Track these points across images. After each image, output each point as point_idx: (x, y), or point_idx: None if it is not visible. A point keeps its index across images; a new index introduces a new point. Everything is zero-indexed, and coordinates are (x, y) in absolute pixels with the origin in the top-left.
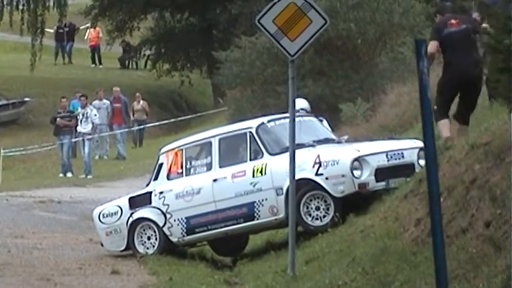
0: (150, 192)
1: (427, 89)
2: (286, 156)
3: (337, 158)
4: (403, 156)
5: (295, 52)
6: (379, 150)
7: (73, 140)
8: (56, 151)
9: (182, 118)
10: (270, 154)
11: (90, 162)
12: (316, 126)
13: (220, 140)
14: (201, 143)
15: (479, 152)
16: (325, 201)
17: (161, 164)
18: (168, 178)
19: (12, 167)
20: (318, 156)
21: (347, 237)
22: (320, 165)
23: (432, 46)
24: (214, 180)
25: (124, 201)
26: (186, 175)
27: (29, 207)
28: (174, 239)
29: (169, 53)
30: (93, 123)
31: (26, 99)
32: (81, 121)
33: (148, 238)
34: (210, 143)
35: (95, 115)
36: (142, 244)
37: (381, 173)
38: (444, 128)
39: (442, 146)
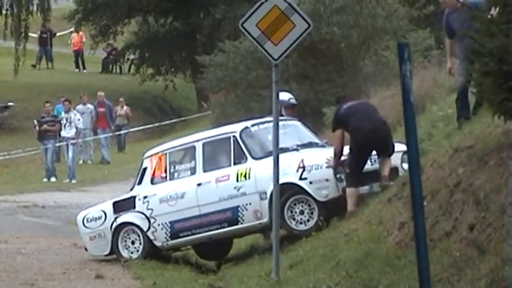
0: (134, 197)
1: (410, 92)
2: (270, 160)
3: (321, 162)
4: None
5: (279, 56)
6: None
7: (57, 144)
8: (39, 156)
9: (166, 122)
10: (254, 158)
11: (74, 166)
12: (300, 130)
13: (204, 145)
14: (185, 147)
15: (463, 156)
16: (309, 206)
17: (145, 169)
18: (152, 182)
19: None
20: (302, 160)
21: (331, 241)
22: (304, 170)
23: (338, 136)
24: (198, 185)
25: (108, 206)
26: (170, 179)
27: (13, 212)
28: (158, 244)
29: (153, 57)
30: (76, 127)
31: (10, 103)
32: (64, 126)
33: (133, 242)
34: (194, 147)
35: (79, 120)
36: (127, 248)
37: (364, 177)
38: (351, 199)
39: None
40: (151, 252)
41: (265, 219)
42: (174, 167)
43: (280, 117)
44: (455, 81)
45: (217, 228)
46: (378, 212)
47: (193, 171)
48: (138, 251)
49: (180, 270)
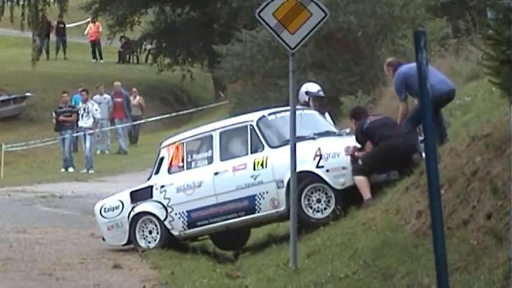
0: (151, 186)
1: (426, 80)
2: (286, 149)
3: (337, 150)
4: None
5: (296, 45)
6: None
7: (74, 134)
8: (57, 146)
9: (184, 112)
10: (271, 147)
11: (92, 156)
12: (317, 120)
13: (221, 134)
14: (202, 136)
15: (480, 144)
16: (326, 194)
17: (162, 158)
18: (169, 172)
19: (13, 162)
20: (319, 148)
21: (348, 230)
22: (321, 158)
23: (368, 147)
24: (215, 174)
25: (125, 196)
26: (187, 169)
27: (31, 202)
28: (175, 233)
29: (170, 47)
30: (94, 117)
31: (27, 94)
32: (82, 116)
33: (150, 232)
34: (211, 136)
35: (96, 110)
36: (144, 238)
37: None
38: (365, 186)
39: (364, 205)
40: (169, 241)
41: (282, 208)
42: (191, 156)
43: (298, 107)
44: (472, 69)
45: (235, 217)
46: (396, 201)
47: (210, 160)
48: (155, 240)
49: (198, 259)
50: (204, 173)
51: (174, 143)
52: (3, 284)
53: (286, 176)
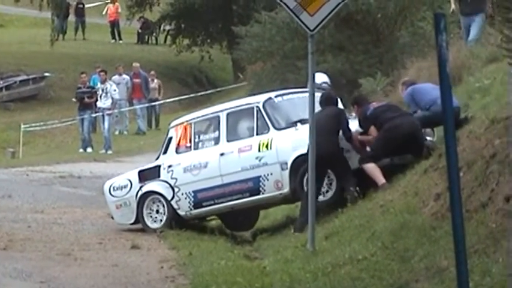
0: (159, 166)
1: (446, 63)
2: (291, 131)
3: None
4: None
5: (315, 27)
6: None
7: (93, 115)
8: (76, 126)
9: (202, 93)
10: (276, 129)
11: (110, 137)
12: None
13: (228, 115)
14: (209, 117)
15: (499, 127)
16: (328, 176)
17: (170, 138)
18: (177, 152)
19: (32, 142)
20: None
21: (367, 212)
22: None
23: (372, 132)
24: (221, 155)
25: (134, 175)
26: (194, 149)
27: (49, 183)
28: (181, 213)
29: (189, 28)
30: (112, 98)
31: (46, 74)
32: (100, 96)
33: (157, 211)
34: (218, 117)
35: (115, 90)
36: (151, 217)
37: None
38: (377, 172)
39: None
40: (176, 221)
41: (286, 190)
42: (199, 137)
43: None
44: (491, 52)
45: (239, 198)
46: (414, 183)
47: (216, 141)
48: (162, 220)
49: (216, 240)
50: (210, 153)
51: (183, 123)
52: (22, 264)
53: (290, 158)
